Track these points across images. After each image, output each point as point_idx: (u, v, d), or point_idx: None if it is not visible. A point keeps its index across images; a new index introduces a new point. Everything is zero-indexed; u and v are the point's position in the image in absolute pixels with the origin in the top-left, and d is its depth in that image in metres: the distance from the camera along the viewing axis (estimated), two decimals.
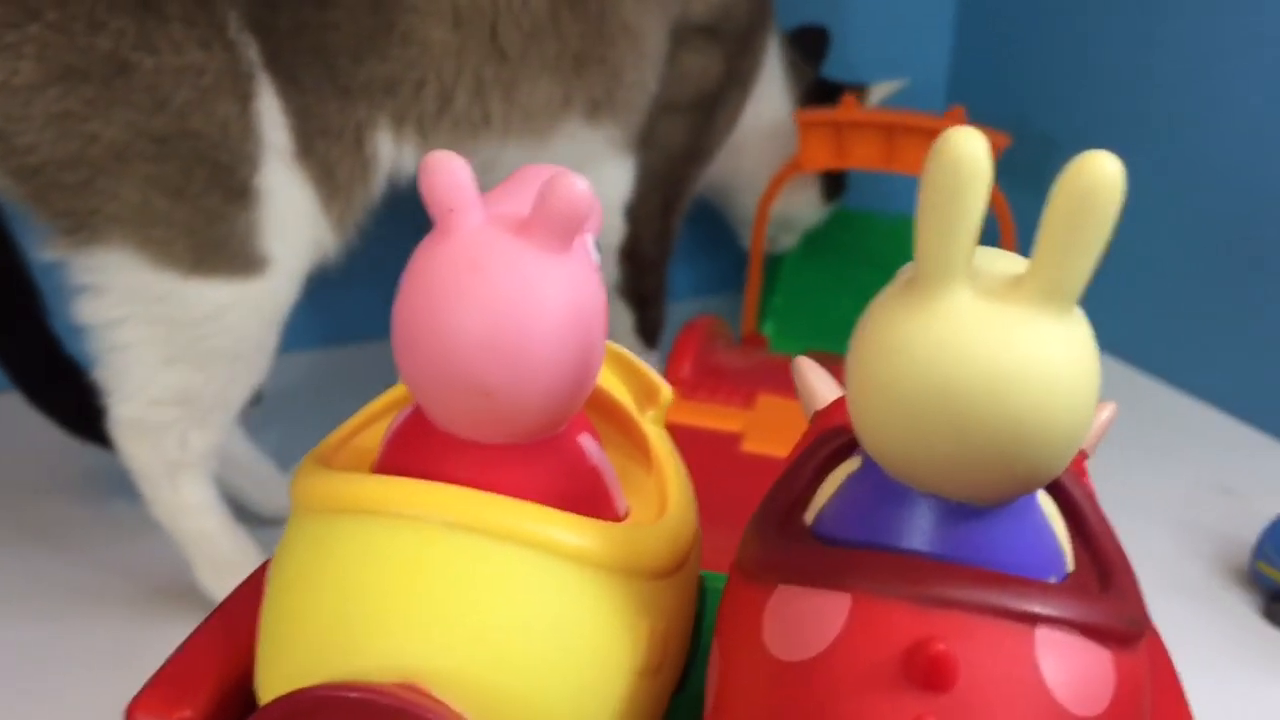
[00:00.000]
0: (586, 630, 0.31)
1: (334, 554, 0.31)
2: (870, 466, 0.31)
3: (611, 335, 0.84)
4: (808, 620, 0.29)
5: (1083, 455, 0.42)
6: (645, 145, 0.83)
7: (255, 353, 0.63)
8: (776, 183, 0.94)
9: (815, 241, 1.09)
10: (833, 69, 1.09)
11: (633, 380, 0.42)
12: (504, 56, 0.67)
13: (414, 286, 0.31)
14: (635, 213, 0.85)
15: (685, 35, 0.81)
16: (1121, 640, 0.29)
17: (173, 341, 0.60)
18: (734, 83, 0.88)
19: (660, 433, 0.41)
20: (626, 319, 0.91)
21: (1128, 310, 1.03)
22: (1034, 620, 0.28)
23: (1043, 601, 0.28)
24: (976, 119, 0.88)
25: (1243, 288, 0.92)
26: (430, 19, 0.63)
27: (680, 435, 0.61)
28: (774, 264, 1.08)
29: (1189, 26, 0.93)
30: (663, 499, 0.37)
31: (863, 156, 0.91)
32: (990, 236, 0.92)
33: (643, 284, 0.89)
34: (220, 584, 0.66)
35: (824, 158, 0.92)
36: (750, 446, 0.59)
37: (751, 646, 0.30)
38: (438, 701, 0.29)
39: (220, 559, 0.66)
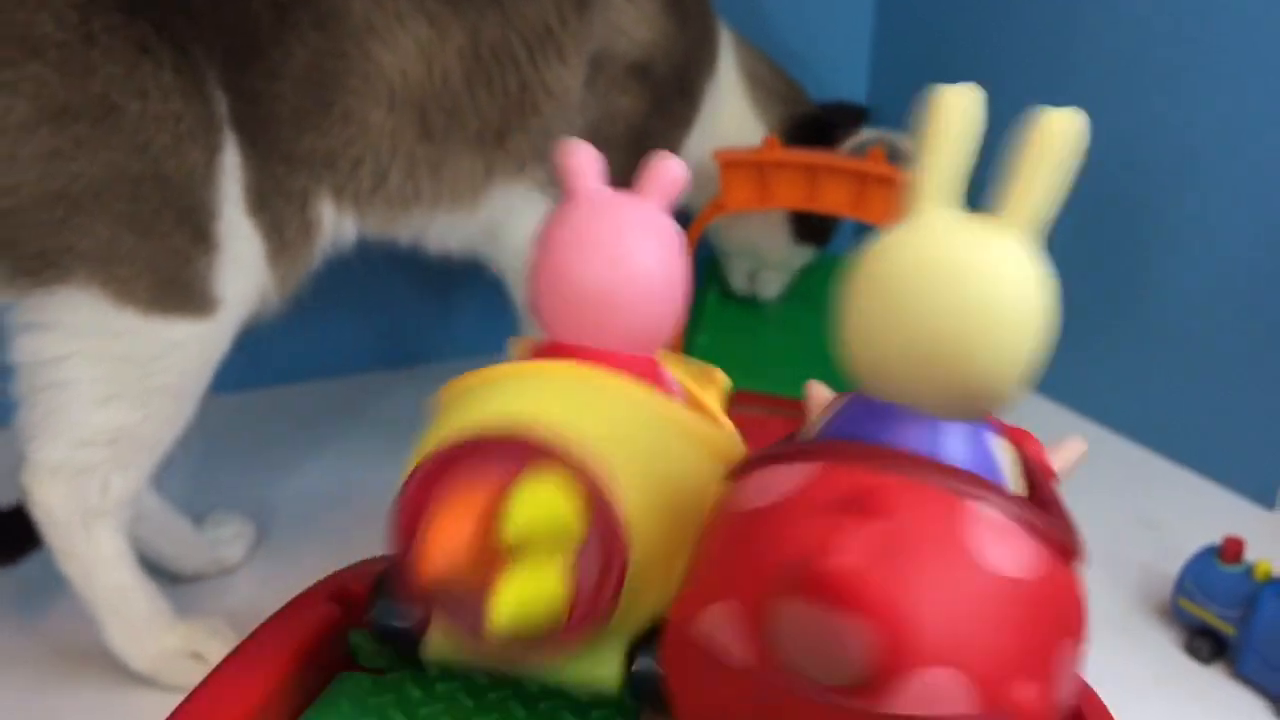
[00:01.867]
0: (689, 463, 0.44)
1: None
2: (852, 401, 0.38)
3: None
4: (779, 478, 0.35)
5: (1052, 473, 0.51)
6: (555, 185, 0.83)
7: (194, 392, 0.64)
8: (699, 224, 0.94)
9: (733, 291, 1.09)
10: None
11: (691, 371, 0.53)
12: (431, 137, 0.70)
13: (555, 232, 0.46)
14: None
15: (615, 74, 0.81)
16: (1046, 537, 0.34)
17: (117, 379, 0.60)
18: (669, 123, 0.88)
19: (719, 406, 0.52)
20: None
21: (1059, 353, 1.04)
22: (969, 496, 0.34)
23: (981, 486, 0.34)
24: (895, 158, 0.89)
25: (1157, 320, 0.94)
26: (368, 100, 0.66)
27: None
28: (699, 302, 1.07)
29: (1104, 51, 0.95)
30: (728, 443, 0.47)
31: (785, 197, 0.92)
32: None
33: None
34: (132, 646, 0.64)
35: (746, 198, 0.92)
36: None
37: (727, 505, 0.37)
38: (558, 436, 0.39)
39: (134, 618, 0.64)
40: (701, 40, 0.89)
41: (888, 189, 0.89)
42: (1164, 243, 0.92)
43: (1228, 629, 0.69)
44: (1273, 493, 0.87)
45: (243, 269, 0.64)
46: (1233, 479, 0.90)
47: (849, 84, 1.21)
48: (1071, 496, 0.91)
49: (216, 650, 0.65)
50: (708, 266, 1.14)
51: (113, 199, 0.58)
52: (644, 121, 0.85)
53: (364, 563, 0.53)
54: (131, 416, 0.61)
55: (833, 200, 0.91)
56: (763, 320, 1.06)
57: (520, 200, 0.78)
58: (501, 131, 0.73)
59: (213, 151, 0.61)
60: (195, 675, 0.60)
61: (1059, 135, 0.35)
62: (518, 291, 0.85)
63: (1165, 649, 0.73)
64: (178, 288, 0.61)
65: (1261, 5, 0.81)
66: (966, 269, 0.34)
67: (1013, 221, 0.35)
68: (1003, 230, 0.35)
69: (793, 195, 0.91)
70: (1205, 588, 0.71)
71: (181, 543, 0.74)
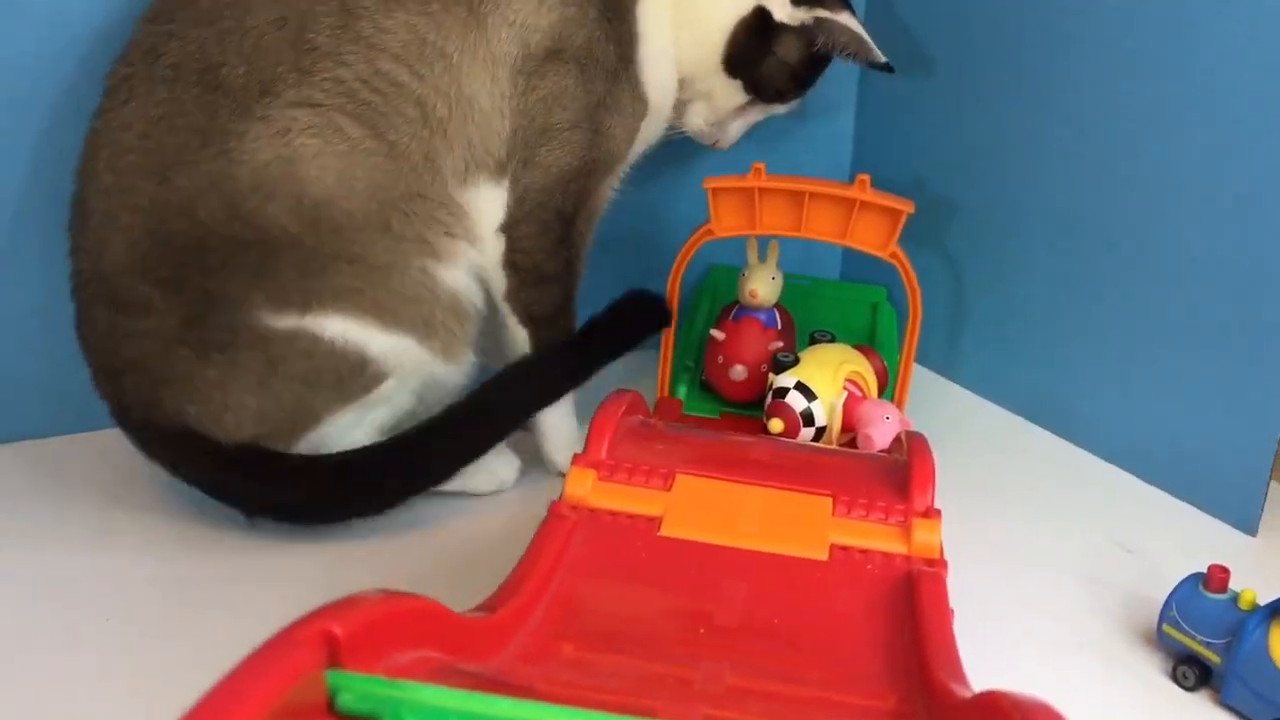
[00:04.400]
0: None
1: None
2: None
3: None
4: None
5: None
6: (526, 166, 0.84)
7: None
8: (687, 250, 0.94)
9: (726, 303, 1.09)
10: (746, 147, 1.08)
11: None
12: (388, 228, 0.79)
13: None
14: (518, 229, 0.85)
15: (534, 65, 0.82)
16: None
17: None
18: (604, 106, 0.87)
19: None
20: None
21: (1022, 363, 1.04)
22: None
23: None
24: (880, 185, 0.90)
25: (1137, 340, 0.94)
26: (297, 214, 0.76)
27: (598, 520, 0.61)
28: (688, 325, 1.08)
29: (1084, 93, 0.96)
30: None
31: (773, 223, 0.92)
32: (905, 300, 0.94)
33: (532, 298, 0.88)
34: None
35: (735, 223, 0.93)
36: (669, 530, 0.59)
37: None
38: None
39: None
40: None
41: (876, 215, 0.90)
42: (1145, 263, 0.92)
43: (1213, 657, 0.70)
44: (1255, 519, 0.88)
45: None
46: (1214, 504, 0.91)
47: (836, 134, 1.21)
48: (1049, 519, 0.93)
49: None
50: (698, 286, 1.15)
51: None
52: (579, 104, 0.85)
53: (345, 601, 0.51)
54: None
55: (820, 226, 0.92)
56: None
57: (481, 199, 0.83)
58: (429, 156, 0.79)
59: None
60: None
61: None
62: (496, 284, 0.87)
63: (1150, 676, 0.73)
64: None
65: (1243, 35, 0.82)
66: None
67: None
68: None
69: (781, 221, 0.92)
70: (1190, 616, 0.71)
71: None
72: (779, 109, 0.99)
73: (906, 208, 0.89)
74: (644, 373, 1.03)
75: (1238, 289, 0.86)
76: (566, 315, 0.91)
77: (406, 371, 0.81)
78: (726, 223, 0.93)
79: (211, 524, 0.84)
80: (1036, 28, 0.98)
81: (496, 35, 0.80)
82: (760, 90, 0.94)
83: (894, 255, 0.91)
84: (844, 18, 0.92)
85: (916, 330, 0.94)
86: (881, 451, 0.85)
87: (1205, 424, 0.90)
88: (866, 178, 0.89)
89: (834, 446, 0.77)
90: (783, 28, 0.91)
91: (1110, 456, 0.99)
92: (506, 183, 0.84)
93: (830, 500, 0.61)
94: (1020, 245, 1.03)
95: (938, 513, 0.60)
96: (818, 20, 0.91)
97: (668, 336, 0.98)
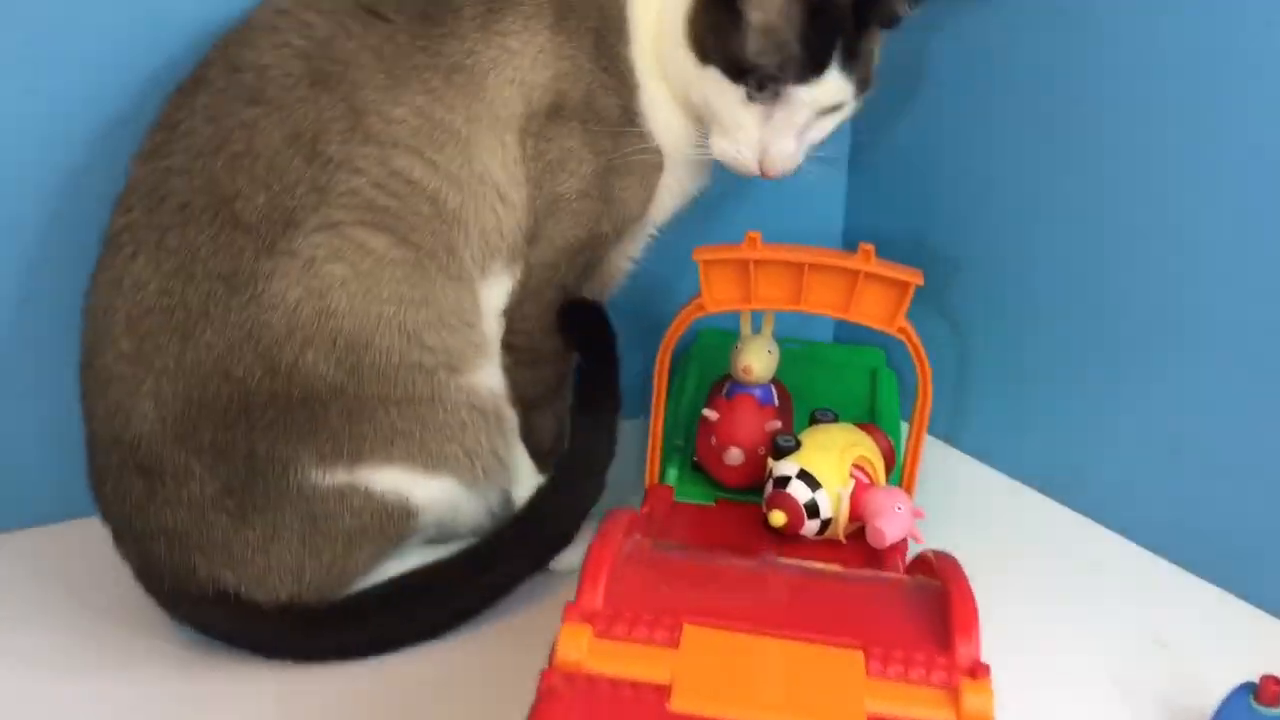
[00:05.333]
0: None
1: None
2: None
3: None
4: None
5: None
6: (533, 242, 0.80)
7: None
8: (675, 329, 0.87)
9: (717, 372, 1.02)
10: (729, 207, 1.05)
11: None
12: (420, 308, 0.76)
13: None
14: (520, 309, 0.82)
15: (538, 124, 0.78)
16: None
17: None
18: (614, 170, 0.81)
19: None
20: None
21: (1033, 431, 0.99)
22: None
23: None
24: (876, 240, 0.83)
25: (1170, 416, 0.89)
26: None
27: (597, 693, 0.53)
28: (676, 398, 1.00)
29: (1103, 143, 0.90)
30: None
31: (770, 297, 0.85)
32: (905, 363, 0.88)
33: (525, 379, 0.83)
34: None
35: (729, 297, 0.86)
36: (681, 704, 0.51)
37: None
38: None
39: None
40: (602, 27, 0.80)
41: (881, 288, 0.83)
42: (1168, 327, 0.87)
43: None
44: None
45: None
46: (1261, 596, 0.84)
47: (828, 198, 1.16)
48: (1074, 606, 0.87)
49: None
50: (685, 353, 1.08)
51: None
52: (589, 154, 0.80)
53: None
54: None
55: (821, 299, 0.85)
56: None
57: (493, 289, 0.80)
58: (451, 251, 0.76)
59: None
60: None
61: None
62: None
63: None
64: None
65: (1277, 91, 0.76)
66: None
67: None
68: None
69: (778, 294, 0.86)
70: None
71: None
72: (823, 101, 0.78)
73: (914, 279, 0.83)
74: (628, 445, 0.96)
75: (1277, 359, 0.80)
76: (559, 402, 0.86)
77: (443, 512, 0.80)
78: (719, 296, 0.86)
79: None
80: (1050, 71, 0.92)
81: (499, 96, 0.77)
82: (748, 73, 0.76)
83: (901, 330, 0.84)
84: None
85: (927, 412, 0.87)
86: (905, 558, 0.79)
87: (1248, 505, 0.84)
88: (870, 247, 0.82)
89: (858, 570, 0.69)
90: None
91: (1139, 537, 0.93)
92: (517, 267, 0.81)
93: (862, 654, 0.53)
94: (1030, 305, 0.98)
95: (987, 670, 0.53)
96: None
97: (655, 414, 0.91)
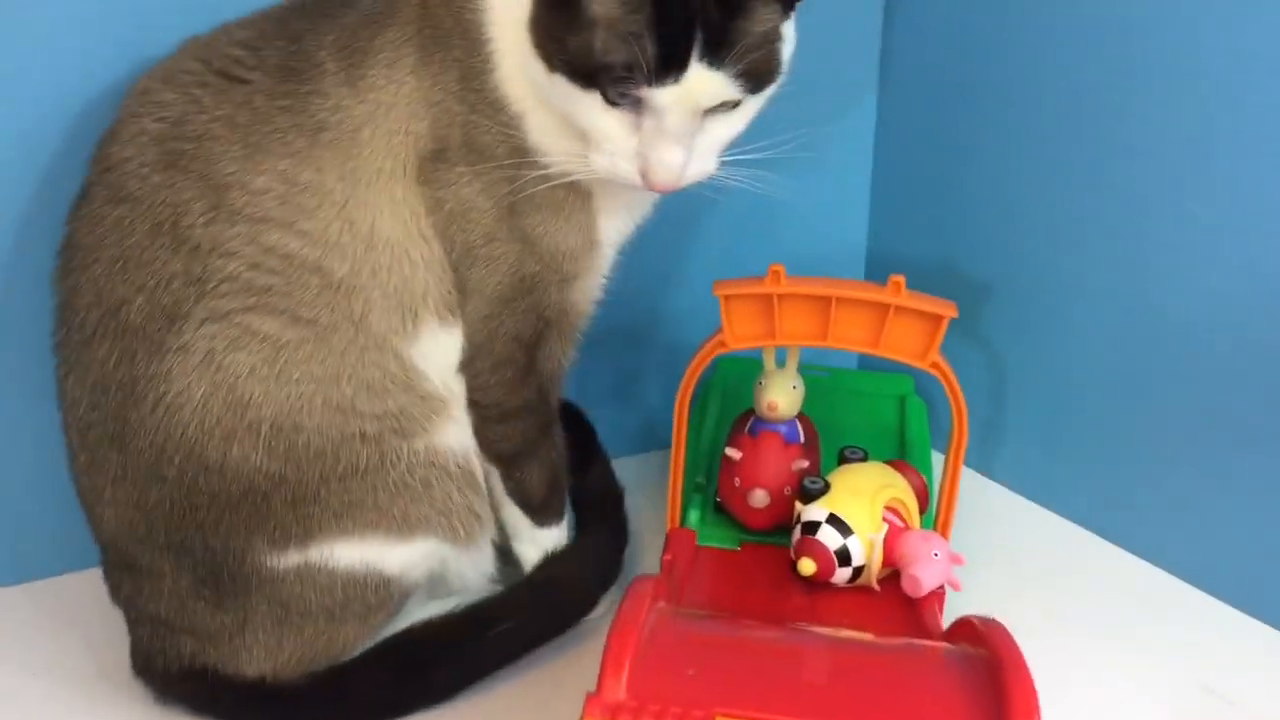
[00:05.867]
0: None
1: None
2: None
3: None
4: None
5: None
6: (465, 295, 0.75)
7: None
8: (695, 367, 0.83)
9: (739, 402, 0.97)
10: (753, 241, 1.01)
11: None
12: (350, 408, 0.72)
13: None
14: (473, 365, 0.77)
15: (428, 173, 0.72)
16: None
17: None
18: (517, 210, 0.73)
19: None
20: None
21: (1072, 462, 0.95)
22: None
23: None
24: (903, 265, 0.80)
25: (1218, 449, 0.85)
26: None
27: None
28: (696, 433, 0.96)
29: (1145, 159, 0.85)
30: None
31: (795, 332, 0.81)
32: (935, 388, 0.84)
33: (498, 435, 0.78)
34: None
35: (752, 334, 0.82)
36: None
37: None
38: None
39: None
40: (466, 58, 0.72)
41: (913, 321, 0.79)
42: (1217, 355, 0.83)
43: None
44: None
45: None
46: None
47: (850, 225, 1.12)
48: (1124, 653, 0.81)
49: None
50: (706, 383, 1.04)
51: None
52: (485, 200, 0.72)
53: None
54: None
55: (849, 334, 0.80)
56: None
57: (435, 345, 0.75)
58: (357, 321, 0.71)
59: None
60: None
61: None
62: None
63: None
64: None
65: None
66: None
67: None
68: None
69: (804, 329, 0.81)
70: None
71: None
72: (694, 102, 0.66)
73: (948, 312, 0.78)
74: (645, 480, 0.92)
75: None
76: (543, 450, 0.81)
77: (427, 573, 0.77)
78: (741, 332, 0.82)
79: None
80: (1086, 79, 0.88)
81: (380, 150, 0.71)
82: (593, 76, 0.65)
83: (935, 365, 0.80)
84: None
85: (963, 450, 0.83)
86: (943, 606, 0.75)
87: None
88: (901, 279, 0.78)
89: (896, 641, 0.65)
90: None
91: (1189, 575, 0.88)
92: (458, 321, 0.76)
93: None
94: (1067, 329, 0.94)
95: None
96: None
97: (676, 455, 0.86)
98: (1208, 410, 0.85)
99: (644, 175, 0.68)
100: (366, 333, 0.71)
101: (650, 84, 0.64)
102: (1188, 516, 0.87)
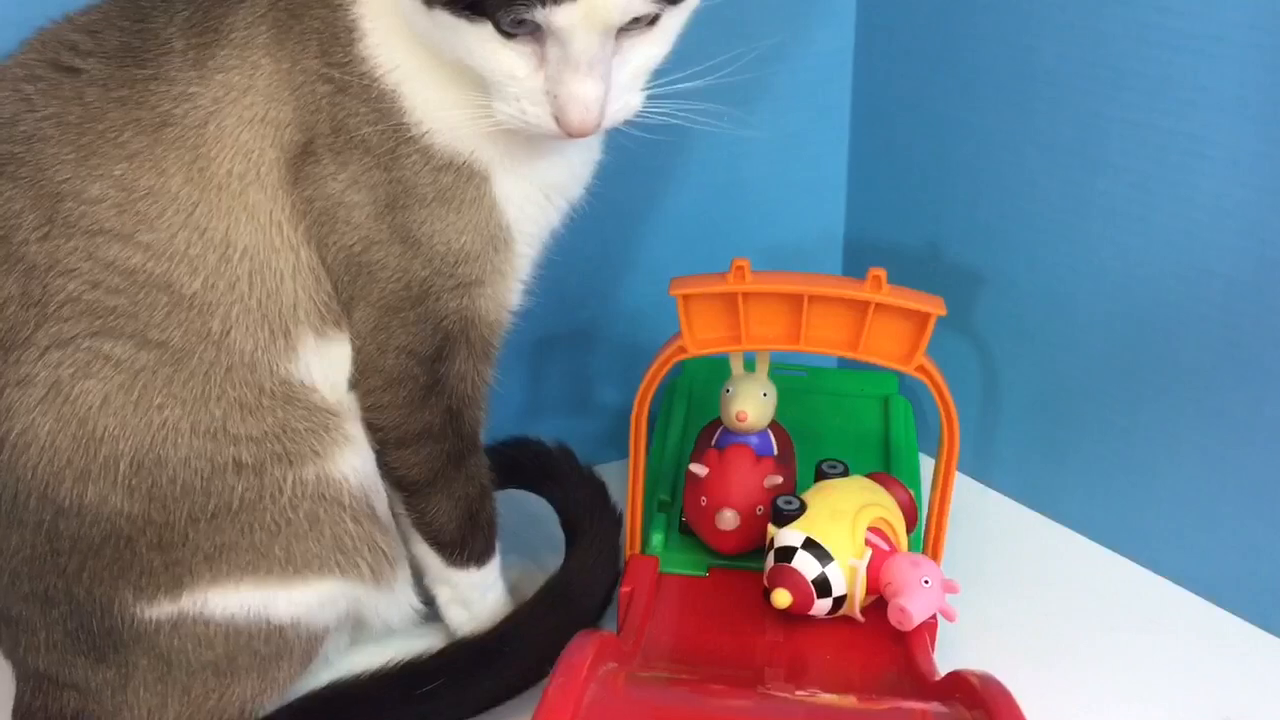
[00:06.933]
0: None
1: None
2: None
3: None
4: None
5: None
6: (347, 305, 0.68)
7: None
8: (653, 376, 0.75)
9: (705, 409, 0.91)
10: (729, 232, 0.97)
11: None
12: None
13: None
14: (364, 383, 0.69)
15: (297, 170, 0.64)
16: None
17: None
18: (398, 205, 0.66)
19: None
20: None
21: (1074, 468, 0.90)
22: None
23: None
24: (886, 255, 0.78)
25: (1224, 449, 0.79)
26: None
27: None
28: (659, 444, 0.89)
29: (1150, 136, 0.79)
30: None
31: (763, 335, 0.74)
32: (920, 387, 0.76)
33: (399, 460, 0.71)
34: None
35: (715, 338, 0.74)
36: None
37: None
38: None
39: None
40: (326, 30, 0.64)
41: (896, 320, 0.71)
42: (1229, 353, 0.78)
43: None
44: None
45: None
46: None
47: (826, 215, 1.05)
48: (1129, 675, 0.73)
49: None
50: (669, 387, 0.97)
51: None
52: (360, 196, 0.65)
53: None
54: None
55: (825, 336, 0.74)
56: None
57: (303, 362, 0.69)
58: (210, 336, 0.65)
59: None
60: None
61: None
62: None
63: None
64: None
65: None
66: None
67: None
68: None
69: (773, 331, 0.74)
70: None
71: None
72: (604, 18, 0.57)
73: (935, 309, 0.71)
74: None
75: None
76: (455, 483, 0.72)
77: (334, 617, 0.71)
78: (703, 337, 0.74)
79: None
80: (1082, 52, 0.82)
81: (232, 145, 0.63)
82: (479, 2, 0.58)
83: (921, 369, 0.72)
84: None
85: (954, 463, 0.76)
86: (934, 639, 0.69)
87: None
88: (882, 273, 0.70)
89: (880, 705, 0.57)
90: None
91: (1201, 589, 0.83)
92: (343, 331, 0.69)
93: None
94: (1065, 323, 0.88)
95: None
96: None
97: (634, 475, 0.78)
98: (1220, 413, 0.79)
99: (557, 118, 0.59)
100: (230, 352, 0.65)
101: (545, 1, 0.55)
102: (1201, 527, 0.82)
